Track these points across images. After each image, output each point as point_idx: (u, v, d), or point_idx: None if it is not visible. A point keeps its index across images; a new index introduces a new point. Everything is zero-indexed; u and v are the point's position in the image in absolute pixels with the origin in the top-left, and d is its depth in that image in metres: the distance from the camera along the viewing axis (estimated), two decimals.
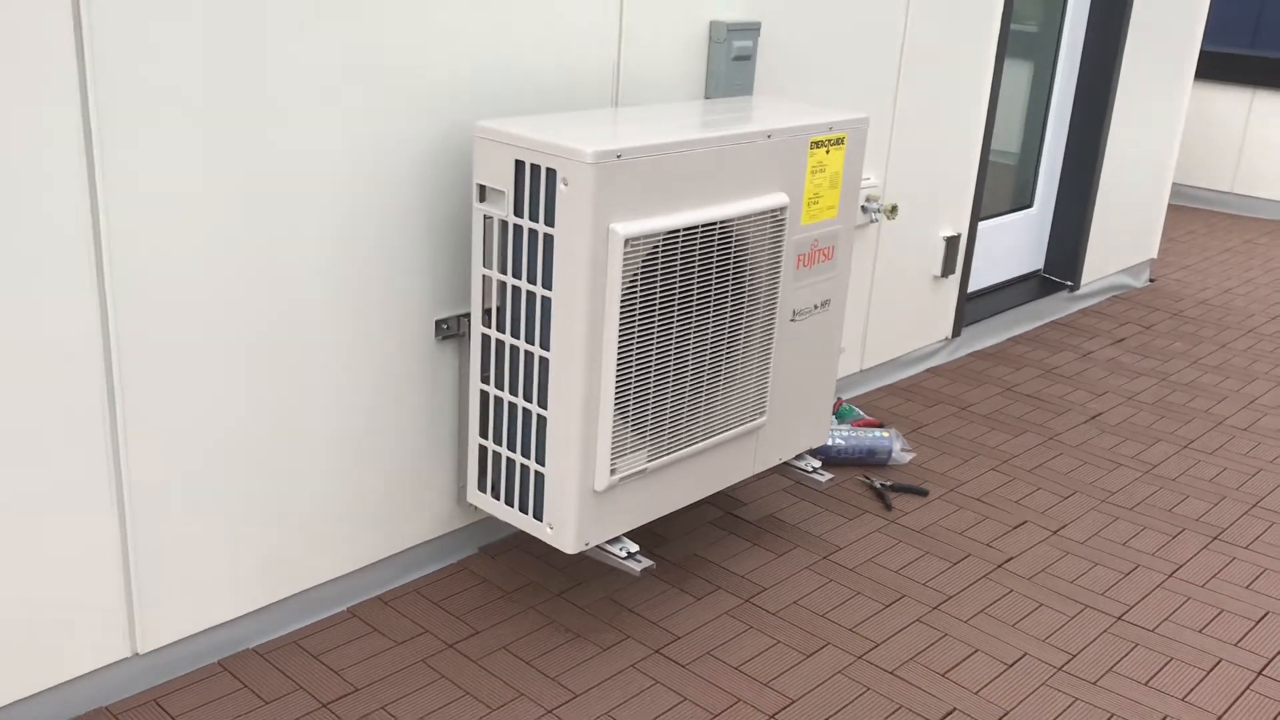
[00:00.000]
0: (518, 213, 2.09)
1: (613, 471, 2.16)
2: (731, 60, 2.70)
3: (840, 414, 3.29)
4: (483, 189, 2.14)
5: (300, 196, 2.03)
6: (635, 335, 2.12)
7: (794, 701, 2.16)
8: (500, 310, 2.18)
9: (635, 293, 2.09)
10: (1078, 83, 4.30)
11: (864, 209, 3.25)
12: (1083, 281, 4.50)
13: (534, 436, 2.18)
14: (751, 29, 2.72)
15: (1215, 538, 2.86)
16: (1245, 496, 3.08)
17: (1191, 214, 6.41)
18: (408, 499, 2.37)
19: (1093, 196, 4.36)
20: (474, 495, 2.33)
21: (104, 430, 1.88)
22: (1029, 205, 4.41)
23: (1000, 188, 4.27)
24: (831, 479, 2.75)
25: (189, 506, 2.02)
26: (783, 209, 2.34)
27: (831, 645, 2.34)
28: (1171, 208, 6.52)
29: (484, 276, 2.19)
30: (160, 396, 1.93)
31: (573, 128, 2.11)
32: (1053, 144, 4.38)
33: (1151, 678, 2.30)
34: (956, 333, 3.87)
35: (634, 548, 2.27)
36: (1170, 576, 2.67)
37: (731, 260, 2.26)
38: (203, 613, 2.10)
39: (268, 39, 1.92)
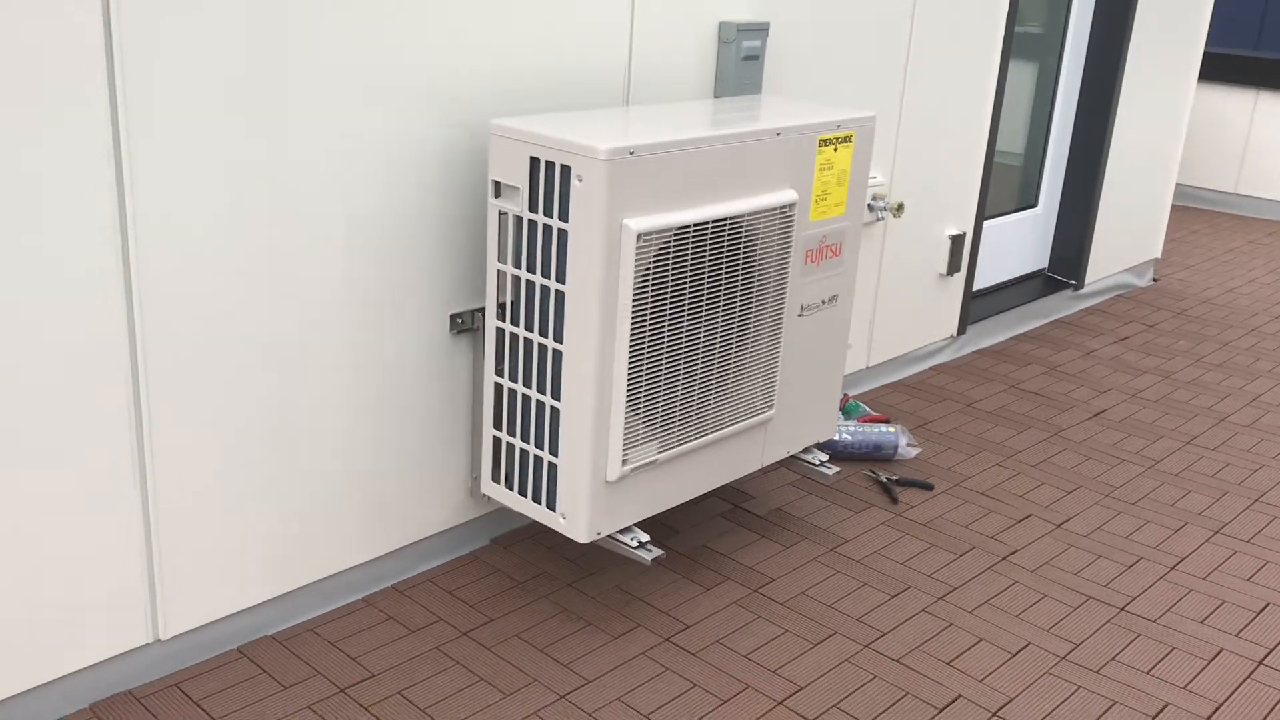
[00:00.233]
0: (532, 208, 2.14)
1: (624, 462, 2.21)
2: (741, 60, 2.74)
3: (847, 410, 3.33)
4: (498, 185, 2.19)
5: (319, 194, 2.08)
6: (647, 329, 2.16)
7: (802, 688, 2.20)
8: (514, 304, 2.22)
9: (647, 287, 2.13)
10: (1082, 83, 4.33)
11: (870, 207, 3.29)
12: (1087, 280, 4.54)
13: (547, 428, 2.22)
14: (760, 29, 2.77)
15: (1217, 531, 2.89)
16: (1247, 491, 3.12)
17: (1196, 214, 6.44)
18: (422, 491, 2.42)
19: (1097, 196, 4.39)
20: (488, 486, 2.37)
21: (129, 423, 1.93)
22: (1034, 205, 4.45)
23: (1005, 187, 4.31)
24: (838, 472, 2.79)
25: (210, 497, 2.07)
26: (791, 205, 2.38)
27: (839, 634, 2.38)
28: (1176, 208, 6.56)
29: (499, 271, 2.23)
30: (183, 390, 1.98)
31: (586, 125, 2.16)
32: (1057, 144, 4.42)
33: (1153, 667, 2.34)
34: (962, 330, 3.91)
35: (645, 537, 2.31)
36: (1172, 569, 2.71)
37: (741, 256, 2.31)
38: (223, 600, 2.15)
39: (288, 41, 1.96)
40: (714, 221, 2.21)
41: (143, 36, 1.79)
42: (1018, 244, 4.39)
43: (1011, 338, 4.23)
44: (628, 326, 2.12)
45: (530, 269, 2.17)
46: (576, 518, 2.22)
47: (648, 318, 2.15)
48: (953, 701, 2.19)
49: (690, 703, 2.14)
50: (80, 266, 1.81)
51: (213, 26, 1.86)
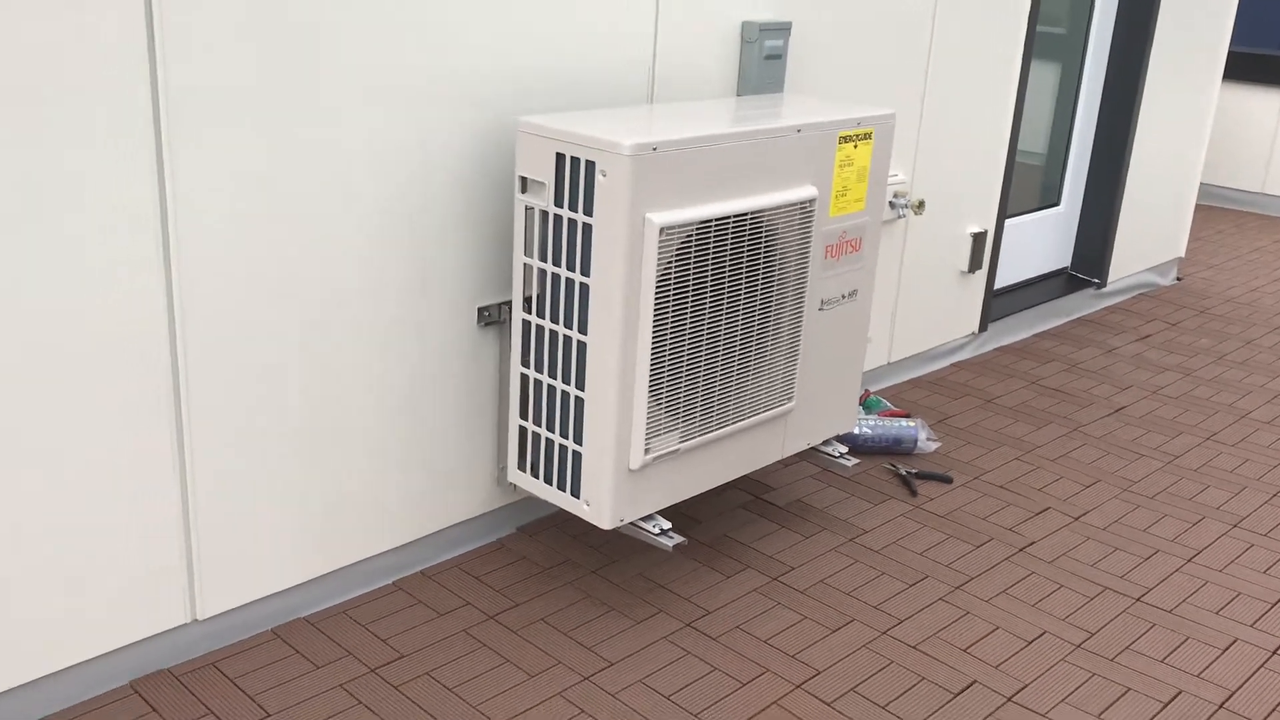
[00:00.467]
0: (558, 203, 2.20)
1: (647, 451, 2.26)
2: (763, 59, 2.79)
3: (868, 405, 3.38)
4: (524, 181, 2.25)
5: (351, 190, 2.15)
6: (669, 320, 2.22)
7: (820, 673, 2.25)
8: (540, 297, 2.28)
9: (669, 280, 2.19)
10: (1105, 83, 4.36)
11: (892, 204, 3.33)
12: (1109, 279, 4.56)
13: (572, 417, 2.28)
14: (783, 29, 2.82)
15: (1235, 525, 2.92)
16: (1266, 487, 3.14)
17: (1221, 214, 6.43)
18: (450, 479, 2.48)
19: (1119, 195, 4.41)
20: (514, 474, 2.43)
21: (169, 409, 2.00)
22: (1056, 203, 4.48)
23: (1028, 186, 4.34)
24: (858, 464, 2.84)
25: (246, 483, 2.14)
26: (811, 201, 2.43)
27: (857, 621, 2.42)
28: (1201, 208, 6.55)
29: (525, 264, 2.29)
30: (220, 380, 2.05)
31: (611, 122, 2.21)
32: (1080, 144, 4.44)
33: (1168, 655, 2.37)
34: (983, 328, 3.94)
35: (667, 525, 2.36)
36: (1189, 561, 2.74)
37: (762, 250, 2.36)
38: (258, 583, 2.22)
39: (321, 40, 2.03)
40: (735, 216, 2.27)
41: (186, 37, 1.86)
42: (1040, 242, 4.42)
43: (1033, 335, 4.25)
44: (650, 318, 2.18)
45: (555, 262, 2.23)
46: (600, 504, 2.28)
47: (670, 310, 2.21)
48: (968, 686, 2.24)
49: (710, 685, 2.19)
50: (122, 258, 1.88)
51: (253, 27, 1.94)
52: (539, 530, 2.69)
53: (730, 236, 2.28)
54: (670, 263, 2.18)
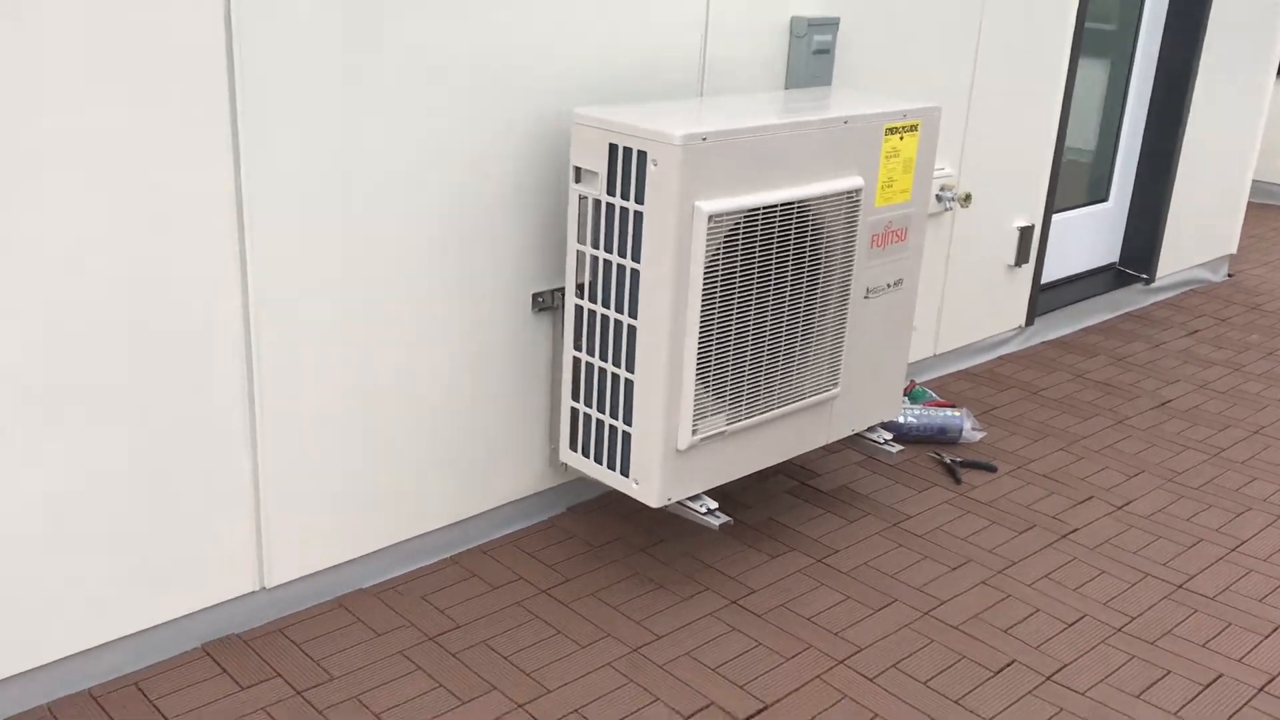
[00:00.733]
0: (610, 192, 2.28)
1: (694, 432, 2.34)
2: (811, 54, 2.86)
3: (913, 396, 3.42)
4: (578, 170, 2.33)
5: (415, 181, 2.24)
6: (717, 306, 2.29)
7: (862, 649, 2.31)
8: (592, 283, 2.36)
9: (718, 266, 2.26)
10: (1155, 79, 4.36)
11: (938, 197, 3.38)
12: (1158, 275, 4.55)
13: (622, 399, 2.36)
14: (831, 24, 2.88)
15: None
16: None
17: (1277, 212, 6.37)
18: (504, 459, 2.57)
19: (1169, 191, 4.41)
20: (566, 454, 2.52)
21: (242, 391, 2.11)
22: (1104, 199, 4.48)
23: (1076, 182, 4.35)
24: (902, 451, 2.89)
25: (311, 460, 2.24)
26: (858, 191, 2.49)
27: (899, 602, 2.48)
28: (1256, 205, 6.49)
29: (578, 252, 2.37)
30: (290, 361, 2.16)
31: (662, 114, 2.29)
32: (1129, 140, 4.44)
33: (1210, 640, 2.40)
34: (1030, 321, 3.97)
35: (714, 504, 2.44)
36: (1233, 551, 2.76)
37: (808, 238, 2.42)
38: (322, 555, 2.32)
39: (385, 29, 2.13)
40: (782, 204, 2.33)
41: (262, 32, 1.97)
42: (1088, 237, 4.43)
43: (1080, 329, 4.27)
44: (699, 303, 2.25)
45: (608, 249, 2.31)
46: (649, 483, 2.35)
47: (718, 295, 2.28)
48: (1008, 665, 2.28)
49: (755, 659, 2.26)
50: (204, 250, 1.99)
51: (321, 22, 2.04)
52: (589, 510, 2.77)
53: (777, 224, 2.34)
54: (719, 249, 2.25)
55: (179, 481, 2.08)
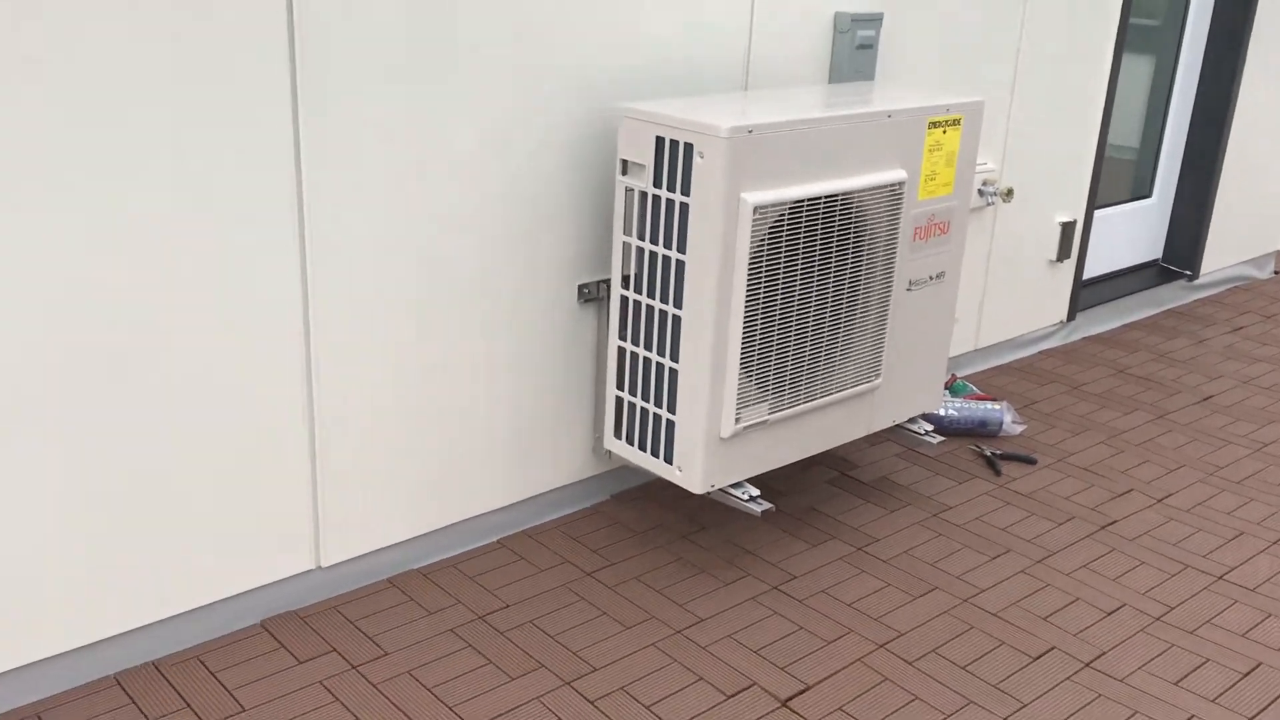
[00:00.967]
0: (656, 184, 2.33)
1: (737, 420, 2.38)
2: (855, 49, 2.89)
3: (954, 389, 3.45)
4: (625, 163, 2.39)
5: (471, 176, 2.31)
6: (761, 296, 2.33)
7: (901, 635, 2.35)
8: (638, 274, 2.42)
9: (762, 257, 2.30)
10: (1200, 75, 4.35)
11: (981, 192, 3.40)
12: (1202, 271, 4.54)
13: (666, 388, 2.42)
14: (874, 19, 2.91)
15: None
16: None
17: None
18: (551, 446, 2.63)
19: (1214, 188, 4.40)
20: (610, 442, 2.58)
21: (301, 378, 2.18)
22: (1148, 195, 4.48)
23: (1119, 178, 4.35)
24: (943, 442, 2.92)
25: (366, 444, 2.32)
26: (901, 184, 2.53)
27: (939, 590, 2.51)
28: None
29: (624, 243, 2.43)
30: (346, 347, 2.23)
31: (708, 107, 2.34)
32: (1173, 136, 4.43)
33: (1249, 630, 2.42)
34: (1071, 316, 3.98)
35: (755, 491, 2.48)
36: (1275, 544, 2.77)
37: (852, 230, 2.46)
38: (375, 536, 2.40)
39: (459, 23, 2.19)
40: (826, 197, 2.38)
41: (325, 26, 2.04)
42: (1131, 233, 4.42)
43: (1122, 325, 4.27)
44: (743, 294, 2.30)
45: (654, 241, 2.37)
46: (692, 470, 2.40)
47: (762, 286, 2.33)
48: (1047, 651, 2.31)
49: (797, 642, 2.31)
50: (264, 244, 2.07)
51: (382, 18, 2.11)
52: (633, 498, 2.83)
53: (821, 216, 2.38)
54: (763, 241, 2.29)
55: (243, 466, 2.16)
